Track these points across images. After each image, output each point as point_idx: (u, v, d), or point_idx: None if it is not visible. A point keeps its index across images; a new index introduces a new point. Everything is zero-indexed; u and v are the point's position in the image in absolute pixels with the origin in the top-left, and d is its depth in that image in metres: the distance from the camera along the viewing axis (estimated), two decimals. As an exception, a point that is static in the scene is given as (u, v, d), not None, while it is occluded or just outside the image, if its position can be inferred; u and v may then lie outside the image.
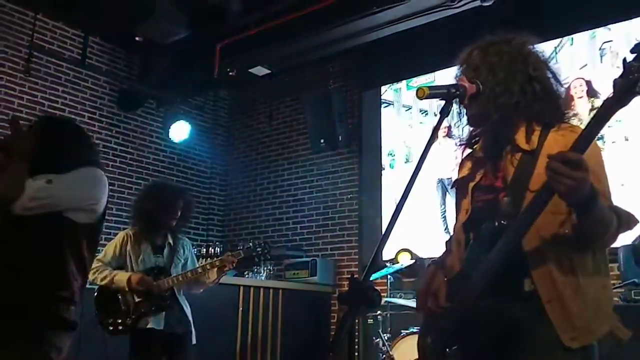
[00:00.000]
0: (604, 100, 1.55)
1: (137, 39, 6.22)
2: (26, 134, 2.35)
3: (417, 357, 2.03)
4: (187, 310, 4.02)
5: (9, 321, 2.20)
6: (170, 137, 7.04)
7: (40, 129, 2.49)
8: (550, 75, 1.92)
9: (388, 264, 5.34)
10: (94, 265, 3.75)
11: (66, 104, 6.45)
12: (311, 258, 6.53)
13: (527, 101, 1.86)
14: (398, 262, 5.31)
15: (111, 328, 3.87)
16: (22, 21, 6.20)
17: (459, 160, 2.12)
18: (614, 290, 4.14)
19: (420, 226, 5.86)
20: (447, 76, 5.40)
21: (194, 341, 3.98)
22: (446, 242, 2.18)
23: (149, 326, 3.83)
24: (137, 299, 3.89)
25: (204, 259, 5.13)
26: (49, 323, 2.28)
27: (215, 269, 3.99)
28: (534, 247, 1.74)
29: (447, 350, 1.88)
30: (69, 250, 2.38)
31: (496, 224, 1.78)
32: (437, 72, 6.19)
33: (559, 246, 1.73)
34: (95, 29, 6.70)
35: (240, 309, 5.47)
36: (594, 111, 1.58)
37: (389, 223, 1.49)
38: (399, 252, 5.51)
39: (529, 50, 1.95)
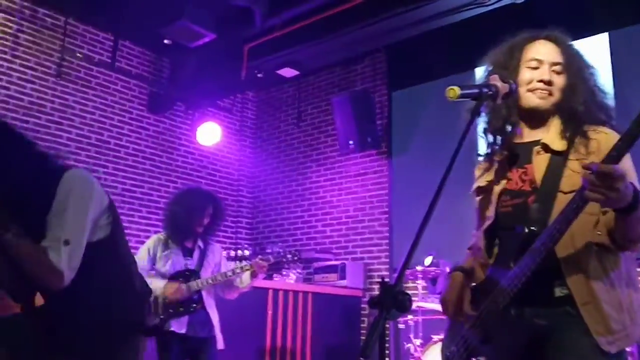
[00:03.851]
0: None
1: (165, 42, 6.27)
2: None
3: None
4: (214, 315, 4.01)
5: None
6: (198, 139, 7.07)
7: None
8: (596, 77, 1.91)
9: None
10: None
11: (96, 107, 6.53)
12: (340, 261, 6.45)
13: (586, 100, 1.84)
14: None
15: None
16: (54, 26, 6.29)
17: (483, 166, 2.07)
18: None
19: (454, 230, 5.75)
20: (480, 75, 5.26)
21: (220, 346, 3.96)
22: (469, 248, 2.16)
23: (171, 329, 3.83)
24: (166, 301, 3.89)
25: (233, 262, 5.12)
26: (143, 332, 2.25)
27: (248, 272, 4.01)
28: (567, 251, 1.70)
29: (473, 359, 1.85)
30: (117, 266, 2.18)
31: (526, 230, 1.73)
32: (467, 72, 6.06)
33: (592, 249, 1.69)
34: (125, 33, 6.78)
35: (270, 312, 5.45)
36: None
37: (420, 226, 1.43)
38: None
39: (580, 49, 1.94)
